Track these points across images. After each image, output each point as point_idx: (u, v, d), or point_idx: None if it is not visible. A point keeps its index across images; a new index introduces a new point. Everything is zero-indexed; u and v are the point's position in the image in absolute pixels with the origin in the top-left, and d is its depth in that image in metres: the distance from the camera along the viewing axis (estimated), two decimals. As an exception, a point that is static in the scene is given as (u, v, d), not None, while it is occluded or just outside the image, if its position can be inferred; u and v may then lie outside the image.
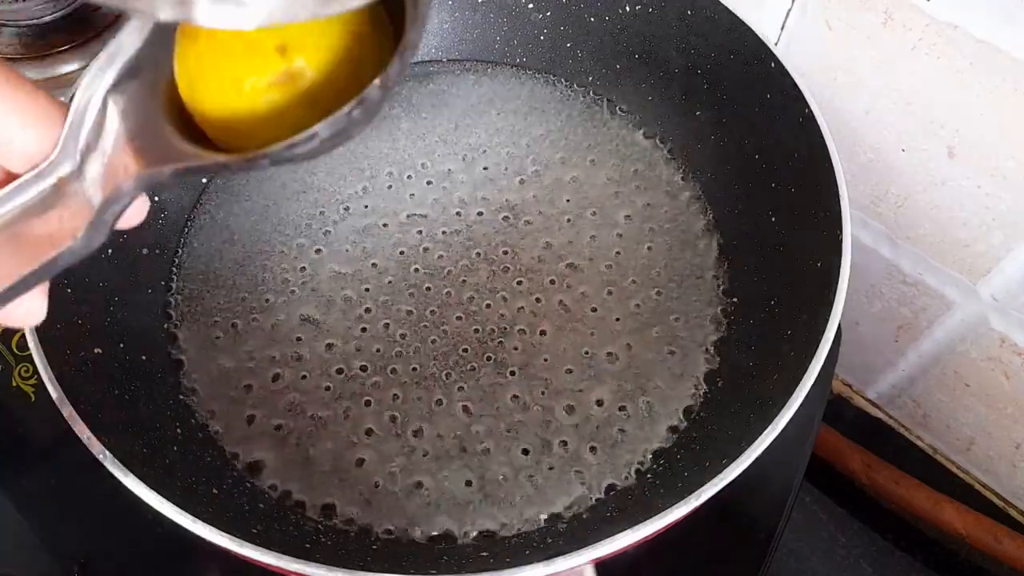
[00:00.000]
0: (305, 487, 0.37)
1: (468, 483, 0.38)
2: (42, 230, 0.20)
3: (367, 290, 0.43)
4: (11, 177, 0.21)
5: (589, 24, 0.50)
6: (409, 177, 0.48)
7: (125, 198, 0.21)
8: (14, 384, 0.44)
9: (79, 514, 0.41)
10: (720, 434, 0.37)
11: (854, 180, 0.48)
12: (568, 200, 0.47)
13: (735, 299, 0.43)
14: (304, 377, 0.41)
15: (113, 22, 0.51)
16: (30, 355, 0.32)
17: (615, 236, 0.45)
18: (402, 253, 0.45)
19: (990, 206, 0.43)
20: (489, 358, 0.41)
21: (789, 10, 0.45)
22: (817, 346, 0.33)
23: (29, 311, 0.22)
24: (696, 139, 0.48)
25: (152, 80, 0.22)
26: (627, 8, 0.48)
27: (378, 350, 0.41)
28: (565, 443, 0.39)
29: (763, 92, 0.42)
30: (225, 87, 0.21)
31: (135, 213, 0.23)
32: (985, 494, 0.56)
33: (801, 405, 0.32)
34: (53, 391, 0.31)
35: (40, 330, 0.33)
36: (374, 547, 0.36)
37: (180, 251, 0.45)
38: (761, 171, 0.43)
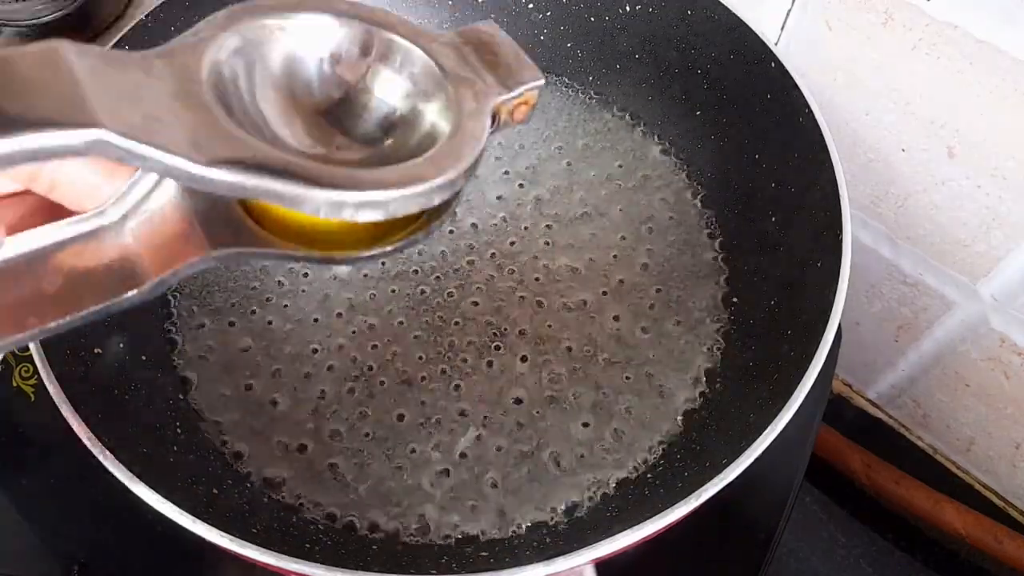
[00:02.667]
0: (305, 487, 0.37)
1: (468, 483, 0.38)
2: (81, 273, 0.20)
3: (367, 291, 0.43)
4: (54, 210, 0.21)
5: (589, 24, 0.50)
6: (409, 177, 0.48)
7: (194, 268, 0.21)
8: (14, 384, 0.44)
9: (79, 514, 0.41)
10: (720, 434, 0.37)
11: (854, 180, 0.48)
12: (568, 200, 0.47)
13: (735, 299, 0.43)
14: (305, 377, 0.40)
15: (114, 22, 0.51)
16: (30, 355, 0.32)
17: (615, 236, 0.45)
18: (402, 253, 0.45)
19: (990, 206, 0.43)
20: (489, 359, 0.41)
21: (789, 10, 0.45)
22: (817, 346, 0.33)
23: None
24: (696, 139, 0.48)
25: None
26: (627, 8, 0.48)
27: (378, 350, 0.41)
28: (565, 443, 0.39)
29: (763, 92, 0.42)
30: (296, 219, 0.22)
31: None
32: (985, 494, 0.56)
33: (801, 405, 0.32)
34: (53, 391, 0.31)
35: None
36: (374, 547, 0.36)
37: (180, 251, 0.45)
38: (761, 171, 0.43)
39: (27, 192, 0.21)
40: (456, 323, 0.42)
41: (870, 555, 0.56)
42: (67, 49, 0.17)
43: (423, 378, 0.40)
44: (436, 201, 0.20)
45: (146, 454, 0.33)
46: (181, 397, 0.40)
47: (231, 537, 0.28)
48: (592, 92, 0.51)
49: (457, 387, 0.40)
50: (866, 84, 0.44)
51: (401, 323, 0.42)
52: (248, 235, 0.21)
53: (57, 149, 0.16)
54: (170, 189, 0.21)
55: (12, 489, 0.42)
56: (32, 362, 0.33)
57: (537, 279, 0.44)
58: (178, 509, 0.29)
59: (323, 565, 0.28)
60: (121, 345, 0.38)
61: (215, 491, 0.35)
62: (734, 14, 0.43)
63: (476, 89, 0.22)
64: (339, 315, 0.42)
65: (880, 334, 0.55)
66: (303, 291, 0.43)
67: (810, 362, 0.33)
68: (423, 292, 0.43)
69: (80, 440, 0.30)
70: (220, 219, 0.21)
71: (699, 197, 0.47)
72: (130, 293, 0.21)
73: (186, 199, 0.21)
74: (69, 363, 0.34)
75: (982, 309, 0.47)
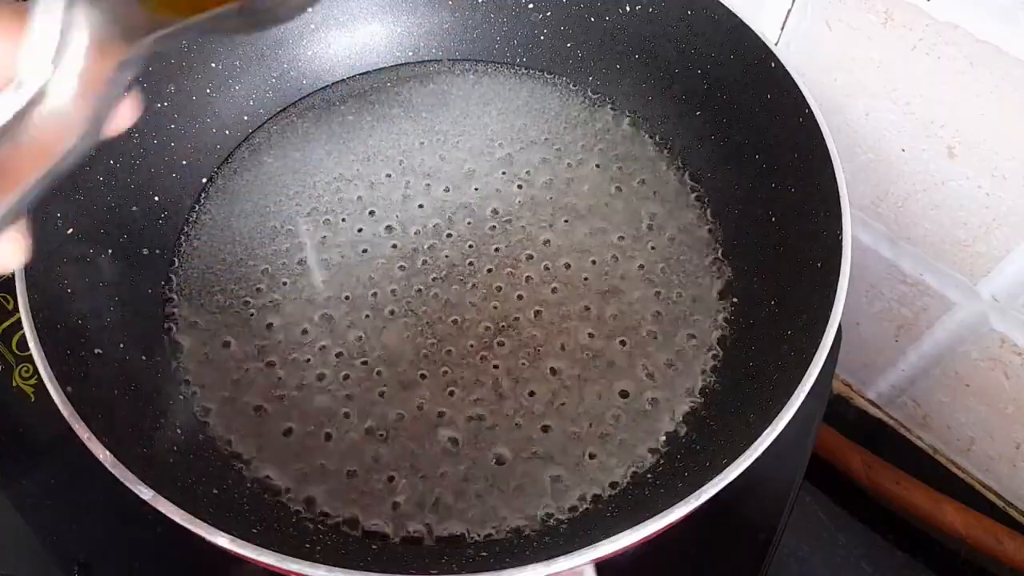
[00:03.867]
0: (305, 486, 0.37)
1: (468, 483, 0.38)
2: (26, 148, 0.20)
3: (368, 291, 0.43)
4: None
5: (589, 24, 0.50)
6: (409, 178, 0.48)
7: (116, 89, 0.21)
8: (14, 384, 0.44)
9: (79, 514, 0.41)
10: (720, 434, 0.37)
11: (854, 180, 0.48)
12: (568, 200, 0.47)
13: (735, 299, 0.43)
14: (304, 377, 0.41)
15: None
16: (30, 355, 0.32)
17: (614, 236, 0.45)
18: (400, 251, 0.45)
19: (990, 206, 0.43)
20: (488, 359, 0.41)
21: (789, 10, 0.45)
22: (817, 346, 0.33)
23: (4, 255, 0.22)
24: (696, 139, 0.48)
25: None
26: (627, 8, 0.48)
27: (379, 352, 0.41)
28: (565, 443, 0.39)
29: (763, 92, 0.42)
30: None
31: (128, 114, 0.23)
32: (985, 494, 0.56)
33: (801, 405, 0.32)
34: (53, 391, 0.31)
35: (40, 330, 0.33)
36: (374, 547, 0.36)
37: (180, 251, 0.45)
38: (761, 171, 0.43)
39: None
40: (455, 322, 0.42)
41: (870, 555, 0.56)
42: None
43: (422, 379, 0.40)
44: None
45: (146, 454, 0.33)
46: (181, 397, 0.40)
47: (231, 537, 0.28)
48: (592, 92, 0.51)
49: (456, 388, 0.40)
50: (866, 84, 0.44)
51: (401, 324, 0.42)
52: (151, 19, 0.21)
53: None
54: (83, 23, 0.20)
55: (12, 489, 0.42)
56: (32, 362, 0.32)
57: (536, 279, 0.44)
58: (178, 509, 0.29)
59: (323, 565, 0.28)
60: (121, 345, 0.38)
61: (215, 491, 0.35)
62: (734, 14, 0.43)
63: None
64: (338, 317, 0.42)
65: (880, 334, 0.55)
66: (303, 293, 0.43)
67: (810, 362, 0.33)
68: (422, 292, 0.43)
69: (80, 440, 0.30)
70: (124, 20, 0.21)
71: (699, 197, 0.47)
72: (68, 143, 0.20)
73: (94, 26, 0.20)
74: (69, 363, 0.34)
75: (982, 309, 0.47)
